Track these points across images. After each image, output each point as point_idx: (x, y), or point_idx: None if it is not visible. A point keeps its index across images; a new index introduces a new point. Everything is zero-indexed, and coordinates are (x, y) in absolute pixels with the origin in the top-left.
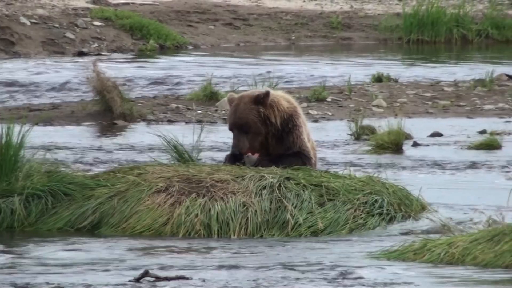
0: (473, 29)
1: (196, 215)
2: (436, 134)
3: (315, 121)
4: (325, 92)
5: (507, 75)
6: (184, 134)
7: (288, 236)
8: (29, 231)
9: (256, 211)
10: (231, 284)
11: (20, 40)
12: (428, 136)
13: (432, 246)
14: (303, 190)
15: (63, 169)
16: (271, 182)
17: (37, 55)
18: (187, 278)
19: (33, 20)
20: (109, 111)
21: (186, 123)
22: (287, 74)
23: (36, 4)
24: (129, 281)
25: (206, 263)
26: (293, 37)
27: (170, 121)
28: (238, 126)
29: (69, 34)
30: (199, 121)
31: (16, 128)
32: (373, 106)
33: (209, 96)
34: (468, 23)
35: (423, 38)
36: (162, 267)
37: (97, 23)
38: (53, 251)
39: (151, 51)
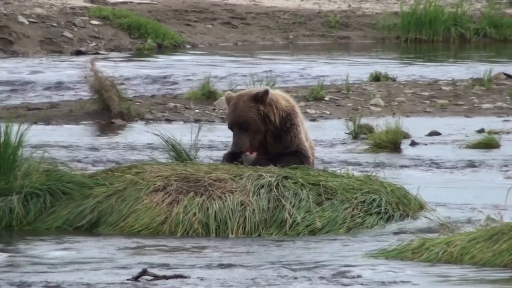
0: (471, 28)
1: (194, 214)
2: (434, 133)
3: (313, 120)
4: (323, 91)
5: (505, 74)
6: (182, 133)
7: (286, 235)
8: (28, 230)
9: (254, 210)
10: (229, 283)
11: (18, 39)
12: (426, 135)
13: (430, 245)
14: (301, 189)
15: (61, 168)
16: (269, 181)
17: (35, 54)
18: (185, 277)
19: (31, 19)
20: (107, 110)
21: (184, 122)
22: (285, 73)
23: (34, 3)
24: (127, 279)
25: (204, 261)
26: (291, 36)
27: (168, 120)
28: (238, 125)
29: (67, 33)
30: (197, 120)
31: (15, 127)
32: (371, 105)
33: (207, 95)
34: (466, 22)
35: (421, 37)
36: (160, 266)
37: (95, 22)
38: (52, 249)
39: (149, 50)
